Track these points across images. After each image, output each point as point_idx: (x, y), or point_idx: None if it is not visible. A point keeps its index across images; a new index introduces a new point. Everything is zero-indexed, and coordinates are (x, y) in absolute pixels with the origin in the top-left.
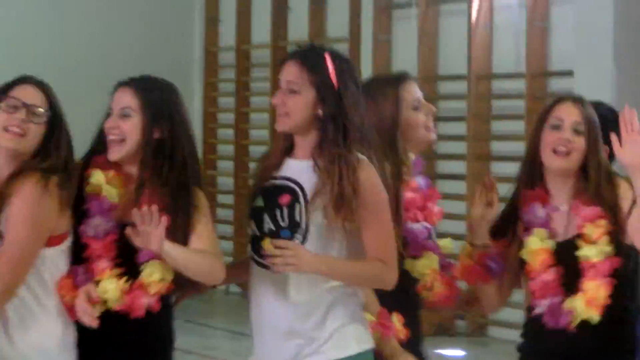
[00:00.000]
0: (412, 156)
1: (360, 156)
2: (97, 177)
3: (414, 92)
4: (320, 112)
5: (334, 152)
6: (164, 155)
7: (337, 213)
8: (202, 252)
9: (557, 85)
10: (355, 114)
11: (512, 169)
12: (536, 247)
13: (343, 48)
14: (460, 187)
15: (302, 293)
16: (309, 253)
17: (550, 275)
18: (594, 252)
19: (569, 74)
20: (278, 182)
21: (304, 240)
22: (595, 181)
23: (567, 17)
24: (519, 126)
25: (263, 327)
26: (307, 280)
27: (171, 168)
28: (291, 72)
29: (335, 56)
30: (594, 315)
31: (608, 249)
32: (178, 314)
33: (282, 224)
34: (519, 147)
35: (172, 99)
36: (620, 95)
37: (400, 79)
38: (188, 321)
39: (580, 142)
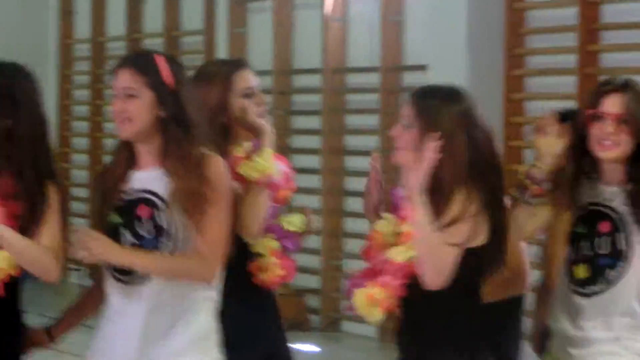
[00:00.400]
0: (247, 145)
1: (206, 151)
2: None
3: (247, 79)
4: (161, 113)
5: (179, 153)
6: (13, 144)
7: (194, 211)
8: (42, 248)
9: (411, 79)
10: (193, 112)
11: (366, 163)
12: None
13: (198, 40)
14: (315, 181)
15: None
16: (117, 245)
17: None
18: (395, 252)
19: (422, 68)
20: (132, 196)
21: (175, 244)
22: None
23: (421, 11)
24: (373, 120)
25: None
26: (165, 289)
27: (23, 158)
28: (125, 79)
29: (165, 57)
30: (372, 312)
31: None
32: (30, 305)
33: (146, 235)
34: (373, 141)
35: (17, 84)
36: (473, 89)
37: (235, 65)
38: (41, 314)
39: None
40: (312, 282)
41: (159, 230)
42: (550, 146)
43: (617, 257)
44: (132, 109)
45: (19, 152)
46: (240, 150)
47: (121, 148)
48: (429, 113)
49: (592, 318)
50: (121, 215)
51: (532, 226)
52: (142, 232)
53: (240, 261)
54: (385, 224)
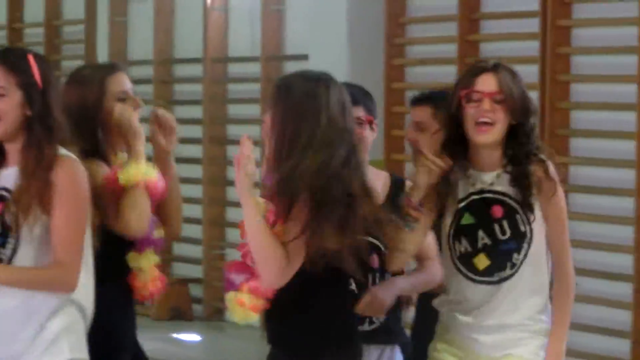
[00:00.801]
0: (123, 155)
1: (65, 154)
2: None
3: (121, 83)
4: (29, 112)
5: (36, 153)
6: None
7: (42, 213)
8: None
9: (292, 68)
10: (58, 112)
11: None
12: None
13: (79, 30)
14: (196, 170)
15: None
16: None
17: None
18: None
19: (304, 57)
20: None
21: (17, 243)
22: None
23: (302, 1)
24: (254, 110)
25: None
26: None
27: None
28: None
29: (37, 57)
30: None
31: None
32: None
33: None
34: (255, 131)
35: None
36: (353, 79)
37: (109, 68)
38: None
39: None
40: (195, 271)
41: (5, 228)
42: (425, 175)
43: (521, 238)
44: (2, 107)
45: None
46: (118, 160)
47: None
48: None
49: (502, 304)
50: None
51: (414, 243)
52: None
53: (119, 272)
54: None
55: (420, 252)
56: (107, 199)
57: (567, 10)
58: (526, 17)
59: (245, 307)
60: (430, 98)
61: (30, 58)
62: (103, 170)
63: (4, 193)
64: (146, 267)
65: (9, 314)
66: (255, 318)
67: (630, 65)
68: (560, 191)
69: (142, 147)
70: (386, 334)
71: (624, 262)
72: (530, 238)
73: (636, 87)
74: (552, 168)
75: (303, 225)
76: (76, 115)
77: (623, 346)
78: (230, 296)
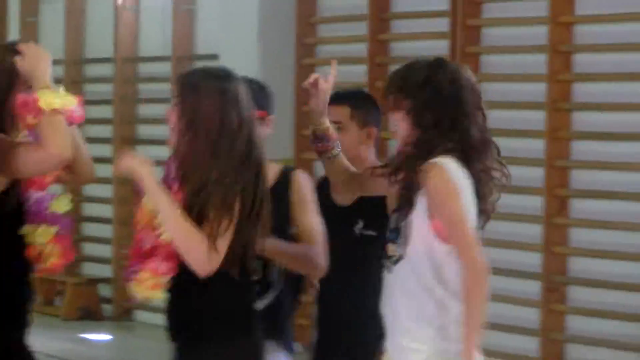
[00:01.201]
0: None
1: None
2: None
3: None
4: None
5: None
6: None
7: None
8: None
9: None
10: None
11: (158, 152)
12: None
13: None
14: (106, 170)
15: None
16: None
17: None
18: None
19: (214, 57)
20: None
21: None
22: None
23: (212, 0)
24: (164, 109)
25: None
26: None
27: None
28: None
29: None
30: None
31: None
32: None
33: None
34: (165, 131)
35: None
36: (264, 78)
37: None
38: None
39: None
40: (105, 271)
41: None
42: (317, 105)
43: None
44: None
45: None
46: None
47: None
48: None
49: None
50: None
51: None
52: None
53: (16, 249)
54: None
55: (305, 236)
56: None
57: (476, 10)
58: (436, 16)
59: (146, 284)
60: (347, 97)
61: None
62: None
63: None
64: (42, 242)
65: None
66: (159, 295)
67: (539, 64)
68: None
69: (48, 76)
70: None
71: (533, 260)
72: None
73: (545, 86)
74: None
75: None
76: None
77: (532, 344)
78: (133, 282)
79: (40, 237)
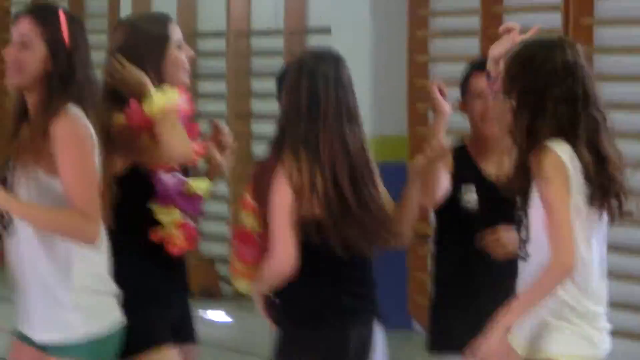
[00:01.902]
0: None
1: (71, 108)
2: None
3: (178, 32)
4: (50, 68)
5: (47, 107)
6: None
7: (34, 162)
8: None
9: (314, 42)
10: (81, 72)
11: (272, 128)
12: None
13: (102, 5)
14: None
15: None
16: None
17: None
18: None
19: (326, 31)
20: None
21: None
22: None
23: None
24: None
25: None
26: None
27: None
28: (24, 27)
29: (68, 15)
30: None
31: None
32: None
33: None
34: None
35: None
36: (377, 52)
37: (167, 18)
38: None
39: None
40: (224, 250)
41: (2, 178)
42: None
43: None
44: (23, 58)
45: None
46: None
47: (17, 99)
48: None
49: None
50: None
51: None
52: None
53: (143, 228)
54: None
55: None
56: (134, 137)
57: None
58: None
59: (240, 272)
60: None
61: (62, 15)
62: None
63: None
64: (166, 223)
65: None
66: (247, 285)
67: None
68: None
69: (149, 81)
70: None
71: None
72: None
73: None
74: None
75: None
76: (138, 58)
77: None
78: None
79: (166, 218)
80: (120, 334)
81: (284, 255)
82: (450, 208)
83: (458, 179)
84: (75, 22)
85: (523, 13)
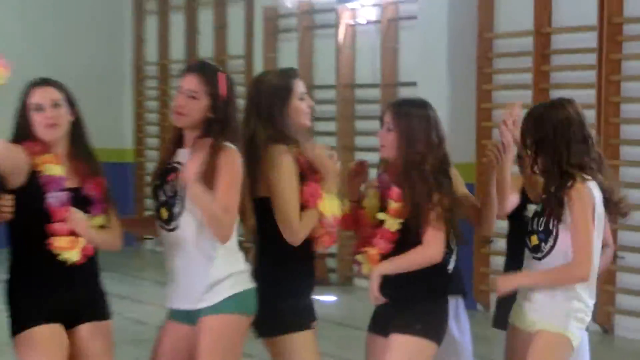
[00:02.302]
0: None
1: (229, 145)
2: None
3: (301, 86)
4: (211, 115)
5: (209, 144)
6: None
7: (203, 183)
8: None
9: (404, 93)
10: (233, 119)
11: (372, 157)
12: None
13: (240, 63)
14: None
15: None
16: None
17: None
18: (389, 224)
19: (413, 84)
20: (170, 165)
21: (183, 204)
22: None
23: (412, 39)
24: (376, 125)
25: (176, 275)
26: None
27: None
28: (192, 82)
29: (226, 75)
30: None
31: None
32: (115, 267)
33: (168, 194)
34: (376, 141)
35: None
36: (452, 100)
37: (292, 74)
38: (123, 274)
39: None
40: (331, 248)
41: (175, 192)
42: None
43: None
44: (190, 107)
45: None
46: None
47: (173, 132)
48: (404, 119)
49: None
50: (161, 179)
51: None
52: (168, 193)
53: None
54: (370, 200)
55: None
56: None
57: (618, 47)
58: (585, 52)
59: (370, 258)
60: None
61: (220, 75)
62: (287, 155)
63: (178, 165)
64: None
65: (194, 261)
66: (372, 268)
67: None
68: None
69: (335, 184)
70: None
71: None
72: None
73: None
74: None
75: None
76: (267, 109)
77: None
78: (360, 255)
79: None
80: (254, 294)
81: (440, 249)
82: (517, 217)
83: (522, 198)
84: (229, 80)
85: (565, 71)
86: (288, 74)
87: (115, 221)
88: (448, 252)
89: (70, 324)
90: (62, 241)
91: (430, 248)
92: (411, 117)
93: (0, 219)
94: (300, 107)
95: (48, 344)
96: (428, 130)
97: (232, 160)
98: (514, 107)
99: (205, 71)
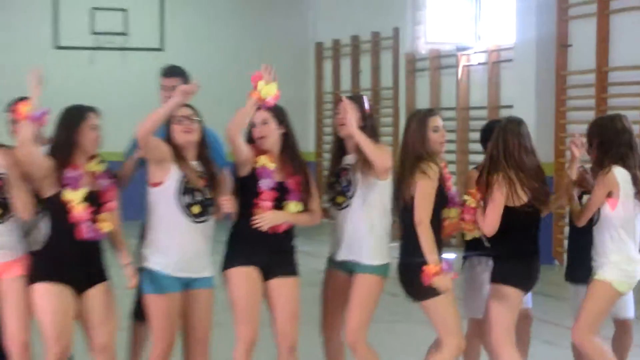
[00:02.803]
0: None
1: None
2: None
3: (436, 121)
4: (361, 125)
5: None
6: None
7: (369, 171)
8: None
9: (504, 113)
10: (373, 127)
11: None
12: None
13: (389, 92)
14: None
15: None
16: None
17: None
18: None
19: (510, 107)
20: (341, 167)
21: (355, 189)
22: None
23: (510, 75)
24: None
25: (345, 238)
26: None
27: None
28: (347, 106)
29: (365, 97)
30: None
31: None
32: (302, 233)
33: (343, 184)
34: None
35: None
36: (538, 119)
37: (429, 112)
38: (307, 237)
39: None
40: None
41: (348, 183)
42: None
43: None
44: (349, 120)
45: None
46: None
47: (335, 142)
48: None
49: None
50: (335, 176)
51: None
52: (343, 184)
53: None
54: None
55: None
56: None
57: None
58: (631, 85)
59: (468, 229)
60: None
61: (364, 98)
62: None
63: (348, 167)
64: (451, 216)
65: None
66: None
67: None
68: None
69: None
70: None
71: None
72: None
73: None
74: None
75: None
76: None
77: None
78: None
79: (451, 214)
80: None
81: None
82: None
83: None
84: (369, 102)
85: (618, 98)
86: (426, 113)
87: (316, 205)
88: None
89: (266, 276)
90: (266, 213)
91: None
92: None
93: (220, 216)
94: (433, 137)
95: (246, 281)
96: (522, 140)
97: (382, 147)
98: (579, 135)
99: (355, 98)
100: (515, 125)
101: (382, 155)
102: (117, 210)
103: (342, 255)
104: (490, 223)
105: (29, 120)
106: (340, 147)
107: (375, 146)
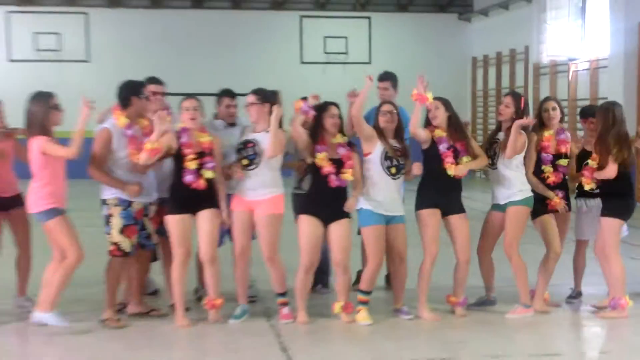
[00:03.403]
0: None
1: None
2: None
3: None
4: (514, 116)
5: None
6: None
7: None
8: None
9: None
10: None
11: None
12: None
13: (521, 91)
14: None
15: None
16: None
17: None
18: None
19: (605, 99)
20: (494, 139)
21: (501, 152)
22: None
23: (606, 77)
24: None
25: (496, 186)
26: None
27: None
28: (507, 99)
29: (523, 97)
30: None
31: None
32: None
33: (491, 154)
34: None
35: None
36: (626, 107)
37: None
38: (470, 189)
39: None
40: None
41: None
42: None
43: None
44: (506, 112)
45: None
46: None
47: (498, 123)
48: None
49: None
50: (489, 144)
51: None
52: (495, 149)
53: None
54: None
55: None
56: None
57: None
58: None
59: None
60: None
61: (522, 97)
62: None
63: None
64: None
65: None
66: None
67: None
68: None
69: None
70: None
71: None
72: None
73: None
74: None
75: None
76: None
77: None
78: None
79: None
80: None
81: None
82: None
83: None
84: (524, 99)
85: None
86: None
87: (480, 152)
88: None
89: (444, 213)
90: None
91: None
92: (609, 110)
93: (410, 177)
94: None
95: (434, 217)
96: (616, 117)
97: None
98: None
99: (514, 95)
100: (619, 106)
101: (512, 143)
102: (355, 166)
103: (496, 200)
104: (612, 171)
105: (300, 112)
106: (498, 127)
107: (515, 135)
